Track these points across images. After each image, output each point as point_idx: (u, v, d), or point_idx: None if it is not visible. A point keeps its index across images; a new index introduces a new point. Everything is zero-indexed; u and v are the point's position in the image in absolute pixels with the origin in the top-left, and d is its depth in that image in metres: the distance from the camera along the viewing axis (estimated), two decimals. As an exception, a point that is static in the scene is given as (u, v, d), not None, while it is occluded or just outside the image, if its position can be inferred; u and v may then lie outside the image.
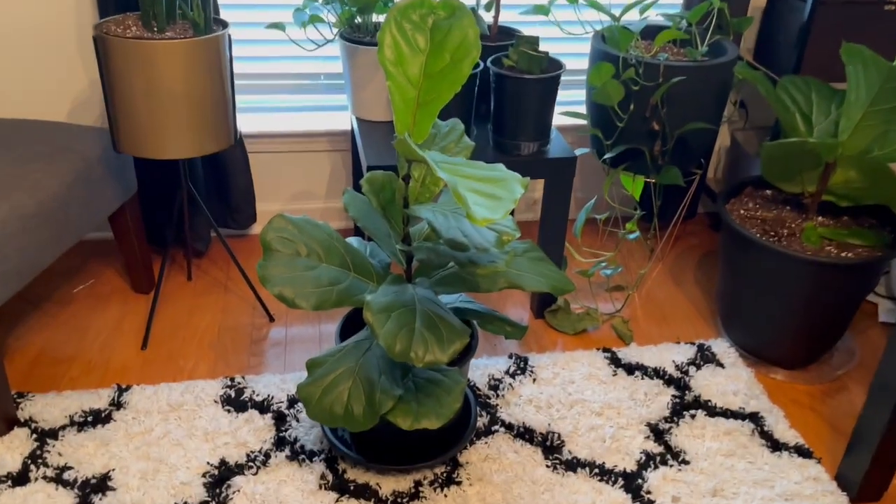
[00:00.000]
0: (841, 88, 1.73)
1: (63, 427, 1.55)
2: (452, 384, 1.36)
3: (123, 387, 1.66)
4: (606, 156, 1.87)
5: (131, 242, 1.90)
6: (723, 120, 1.88)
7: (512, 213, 2.02)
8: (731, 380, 1.76)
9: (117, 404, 1.61)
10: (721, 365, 1.81)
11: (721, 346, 1.86)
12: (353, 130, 2.13)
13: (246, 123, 2.14)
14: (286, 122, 2.17)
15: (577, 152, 1.77)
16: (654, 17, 2.09)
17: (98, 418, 1.57)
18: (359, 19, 1.85)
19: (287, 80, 2.15)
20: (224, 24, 1.61)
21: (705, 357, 1.83)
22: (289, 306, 1.29)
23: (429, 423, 1.29)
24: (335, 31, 1.86)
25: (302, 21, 1.81)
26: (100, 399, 1.62)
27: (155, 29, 1.54)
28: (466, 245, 1.17)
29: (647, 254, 2.28)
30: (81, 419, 1.57)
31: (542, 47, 1.70)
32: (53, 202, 1.55)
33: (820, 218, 1.77)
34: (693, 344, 1.88)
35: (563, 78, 1.70)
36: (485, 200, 0.99)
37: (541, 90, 1.66)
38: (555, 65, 1.71)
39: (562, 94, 2.23)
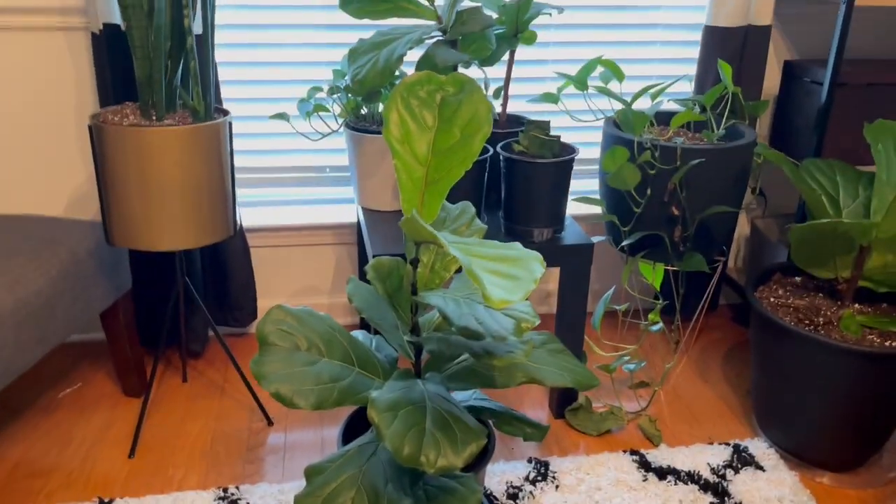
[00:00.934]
0: (866, 170, 1.66)
1: (34, 547, 1.39)
2: (468, 493, 1.21)
3: (105, 500, 1.51)
4: (624, 242, 1.78)
5: (123, 342, 1.79)
6: (741, 207, 1.80)
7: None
8: (773, 485, 1.59)
9: (97, 520, 1.46)
10: (761, 468, 1.65)
11: (759, 447, 1.71)
12: (358, 222, 2.06)
13: (249, 217, 2.07)
14: (291, 215, 2.10)
15: (594, 240, 1.68)
16: (666, 103, 2.05)
17: (74, 537, 1.42)
18: (364, 110, 1.81)
19: (292, 173, 2.10)
20: (225, 112, 1.56)
21: (743, 459, 1.67)
22: (286, 406, 1.17)
23: (442, 539, 1.14)
24: (340, 121, 1.82)
25: (307, 111, 1.77)
26: (78, 515, 1.47)
27: (154, 118, 1.49)
28: (482, 333, 1.06)
29: (671, 347, 2.15)
30: (55, 538, 1.42)
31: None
32: (36, 299, 1.45)
33: (857, 305, 1.66)
34: (728, 444, 1.73)
35: (574, 167, 1.63)
36: (502, 281, 0.89)
37: (554, 174, 1.59)
38: (567, 149, 1.65)
39: (574, 184, 2.17)
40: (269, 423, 1.79)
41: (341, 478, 1.19)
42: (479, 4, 1.60)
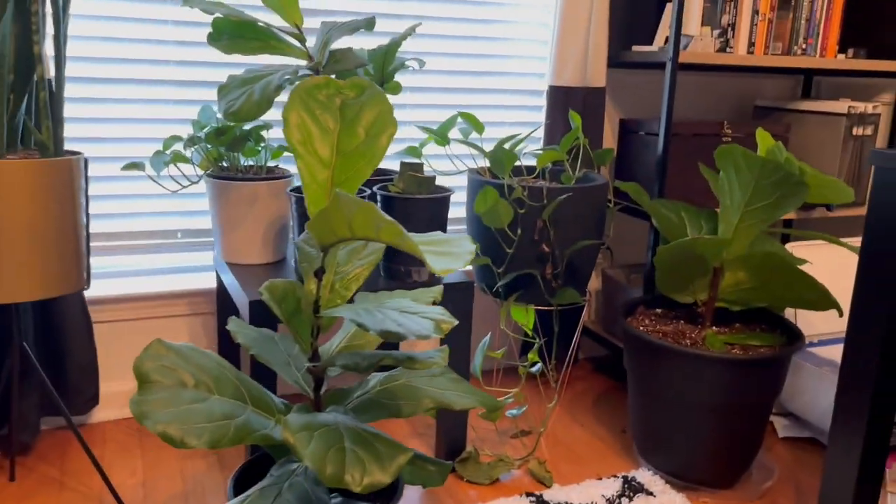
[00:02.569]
0: (704, 209, 1.83)
1: None
2: (387, 527, 1.10)
3: None
4: (499, 283, 1.80)
5: (-64, 433, 1.50)
6: (602, 244, 1.90)
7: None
8: (666, 507, 1.61)
9: None
10: (651, 493, 1.66)
11: (645, 475, 1.73)
12: (218, 288, 1.93)
13: (91, 289, 1.86)
14: (138, 285, 1.92)
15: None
16: (522, 156, 2.15)
17: None
18: (225, 163, 1.73)
19: (140, 239, 1.93)
20: (76, 153, 1.42)
21: (633, 487, 1.68)
22: (175, 447, 1.02)
23: (367, 577, 1.02)
24: (199, 174, 1.72)
25: (164, 161, 1.66)
26: None
27: (-8, 155, 1.33)
28: (403, 334, 1.00)
29: (547, 392, 2.16)
30: None
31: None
32: None
33: (715, 328, 1.77)
34: (616, 476, 1.73)
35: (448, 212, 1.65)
36: (440, 256, 0.85)
37: (431, 210, 1.59)
38: (442, 189, 1.67)
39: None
40: (125, 511, 1.55)
41: (244, 525, 1.05)
42: (349, 47, 1.62)
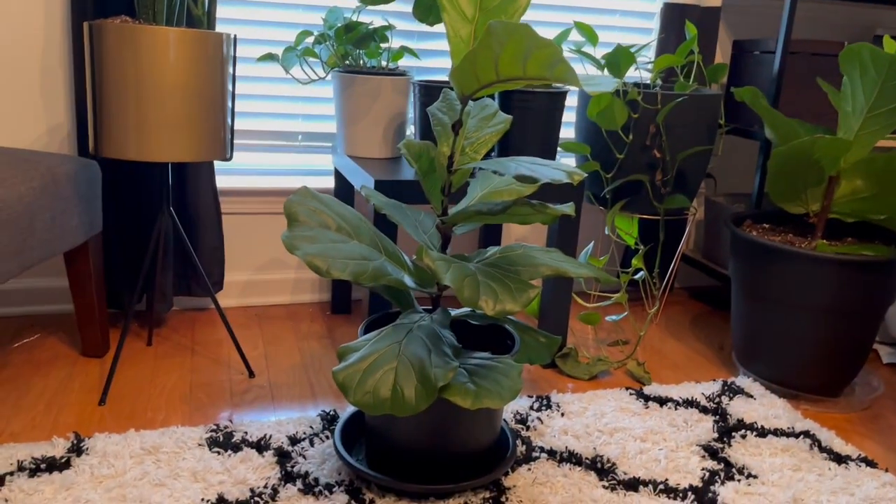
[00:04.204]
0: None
1: (9, 474, 1.23)
2: (508, 368, 1.18)
3: (83, 437, 1.36)
4: (607, 189, 1.83)
5: (89, 292, 1.66)
6: (713, 152, 1.90)
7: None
8: (767, 407, 1.63)
9: (77, 450, 1.30)
10: (751, 396, 1.68)
11: (745, 382, 1.75)
12: (335, 191, 2.03)
13: (218, 182, 2.00)
14: (260, 181, 2.05)
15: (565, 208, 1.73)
16: (633, 70, 2.17)
17: (54, 465, 1.26)
18: (350, 61, 1.82)
19: (263, 139, 2.05)
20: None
21: (733, 390, 1.71)
22: (321, 275, 1.11)
23: (491, 403, 1.10)
24: (327, 70, 1.82)
25: (296, 55, 1.76)
26: (54, 448, 1.31)
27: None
28: (537, 178, 1.06)
29: (647, 306, 2.19)
30: (33, 465, 1.25)
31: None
32: (18, 203, 1.34)
33: (825, 240, 1.77)
34: (715, 381, 1.76)
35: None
36: (592, 86, 0.91)
37: (548, 104, 1.64)
38: (558, 87, 1.71)
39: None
40: (251, 374, 1.68)
41: (381, 350, 1.14)
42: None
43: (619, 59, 1.71)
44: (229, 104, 1.51)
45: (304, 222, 1.18)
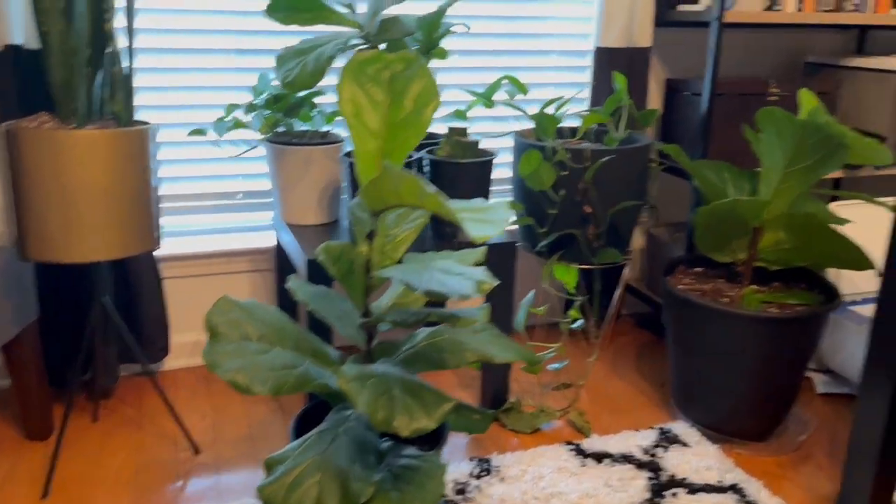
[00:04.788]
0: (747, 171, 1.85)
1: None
2: (433, 468, 1.21)
3: (23, 540, 1.37)
4: (542, 243, 1.87)
5: (30, 378, 1.66)
6: (644, 205, 1.94)
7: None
8: (700, 457, 1.68)
9: (17, 559, 1.32)
10: (686, 444, 1.74)
11: (681, 428, 1.81)
12: (277, 246, 2.04)
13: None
14: (203, 244, 2.05)
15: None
16: (566, 117, 2.19)
17: (-7, 578, 1.28)
18: (282, 128, 1.83)
19: (201, 200, 2.05)
20: (145, 123, 1.53)
21: (668, 439, 1.76)
22: (242, 392, 1.14)
23: (415, 511, 1.13)
24: (258, 140, 1.82)
25: (226, 127, 1.76)
26: (-7, 556, 1.33)
27: (73, 126, 1.44)
28: (445, 294, 1.09)
29: (588, 347, 2.24)
30: (-29, 581, 1.27)
31: (473, 137, 1.73)
32: (-54, 317, 1.34)
33: (753, 286, 1.82)
34: (653, 428, 1.81)
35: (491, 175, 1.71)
36: (479, 223, 0.93)
37: (475, 174, 1.66)
38: (486, 153, 1.73)
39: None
40: (196, 451, 1.70)
41: (304, 463, 1.17)
42: (397, 15, 1.68)
43: (545, 122, 1.74)
44: (155, 195, 1.51)
45: (225, 335, 1.20)
